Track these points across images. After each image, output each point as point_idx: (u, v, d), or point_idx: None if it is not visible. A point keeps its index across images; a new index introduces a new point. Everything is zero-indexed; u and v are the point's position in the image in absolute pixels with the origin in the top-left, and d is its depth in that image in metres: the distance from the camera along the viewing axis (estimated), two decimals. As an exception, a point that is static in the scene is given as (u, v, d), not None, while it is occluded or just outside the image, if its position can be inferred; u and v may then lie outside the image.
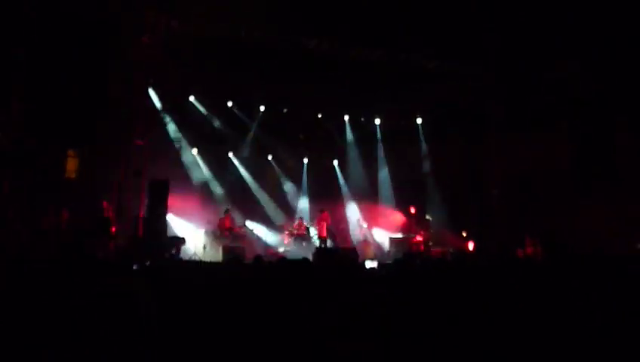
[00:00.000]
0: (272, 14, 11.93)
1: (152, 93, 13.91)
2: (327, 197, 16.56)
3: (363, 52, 13.52)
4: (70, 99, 11.69)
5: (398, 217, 16.31)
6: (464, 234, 14.81)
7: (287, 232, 15.19)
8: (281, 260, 6.34)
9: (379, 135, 17.36)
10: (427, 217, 14.95)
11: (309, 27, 12.47)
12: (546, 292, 4.57)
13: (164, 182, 12.06)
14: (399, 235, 15.34)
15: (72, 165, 12.73)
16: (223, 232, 13.76)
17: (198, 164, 15.56)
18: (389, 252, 14.92)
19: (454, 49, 13.28)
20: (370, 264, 10.57)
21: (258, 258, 6.48)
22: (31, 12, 10.73)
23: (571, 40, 12.02)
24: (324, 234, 14.77)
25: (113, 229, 11.36)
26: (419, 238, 14.36)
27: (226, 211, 14.25)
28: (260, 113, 16.09)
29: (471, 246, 14.14)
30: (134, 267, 6.50)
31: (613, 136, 12.91)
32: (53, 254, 9.59)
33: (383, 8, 11.75)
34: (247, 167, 16.50)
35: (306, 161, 17.48)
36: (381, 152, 17.34)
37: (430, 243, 14.39)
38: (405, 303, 3.97)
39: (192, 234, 13.53)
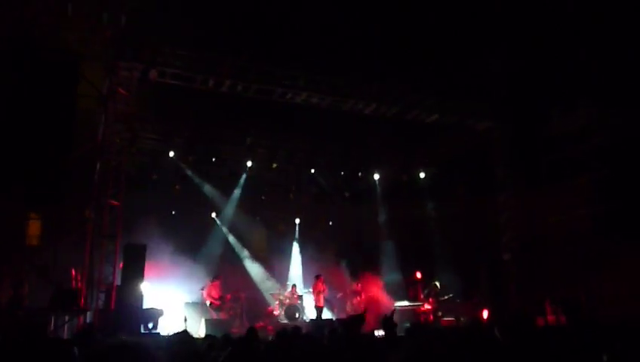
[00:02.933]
0: (259, 65, 12.43)
1: (128, 148, 14.08)
2: (322, 261, 16.50)
3: (357, 104, 13.91)
4: (33, 153, 11.67)
5: (404, 283, 16.22)
6: (477, 302, 14.70)
7: (277, 302, 15.00)
8: (281, 332, 6.24)
9: (378, 191, 17.57)
10: (435, 283, 14.87)
11: (300, 81, 12.89)
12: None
13: (140, 247, 11.98)
14: (404, 304, 15.19)
15: (34, 229, 12.58)
16: (213, 302, 13.55)
17: (179, 227, 15.55)
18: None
19: (457, 99, 13.77)
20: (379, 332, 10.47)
21: (252, 330, 6.39)
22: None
23: (590, 83, 12.34)
24: (322, 303, 14.58)
25: (82, 302, 11.14)
26: (427, 307, 14.23)
27: (216, 278, 14.11)
28: (247, 169, 16.32)
29: (485, 314, 14.01)
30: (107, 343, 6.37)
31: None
32: (10, 336, 9.26)
33: (379, 58, 12.30)
34: (232, 230, 16.52)
35: (298, 221, 17.55)
36: (381, 210, 17.47)
37: (440, 313, 14.26)
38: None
39: (172, 305, 13.30)
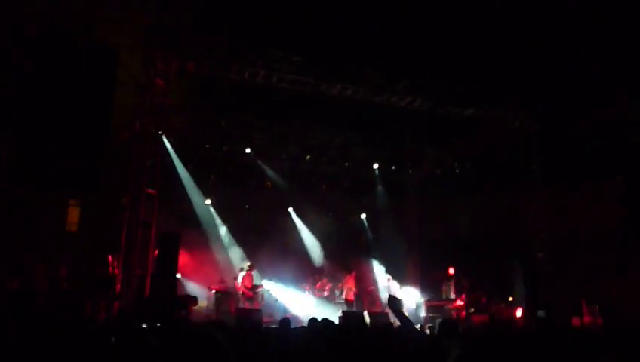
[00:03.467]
0: (294, 57, 12.42)
1: (164, 138, 14.30)
2: (354, 255, 16.52)
3: (392, 98, 13.78)
4: (73, 142, 11.90)
5: (435, 278, 16.08)
6: (510, 300, 14.49)
7: (308, 293, 15.08)
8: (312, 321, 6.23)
9: (412, 185, 17.46)
10: (468, 280, 14.70)
11: (333, 73, 12.85)
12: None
13: (175, 235, 12.16)
14: (436, 299, 15.08)
15: (73, 216, 12.88)
16: (245, 292, 13.70)
17: (213, 217, 15.75)
18: (425, 318, 14.63)
19: (493, 93, 13.51)
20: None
21: (285, 321, 6.40)
22: (27, 48, 11.12)
23: (630, 79, 12.01)
24: (352, 297, 14.63)
25: (118, 287, 11.38)
26: (459, 303, 14.09)
27: (249, 268, 14.28)
28: (281, 160, 16.39)
29: (519, 313, 13.78)
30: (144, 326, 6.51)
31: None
32: (49, 317, 9.49)
33: (416, 51, 12.15)
34: (265, 220, 16.63)
35: (330, 214, 17.59)
36: (414, 205, 17.35)
37: (472, 310, 14.10)
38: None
39: (204, 293, 13.52)
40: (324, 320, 6.25)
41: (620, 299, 12.26)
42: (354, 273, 14.90)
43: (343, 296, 14.93)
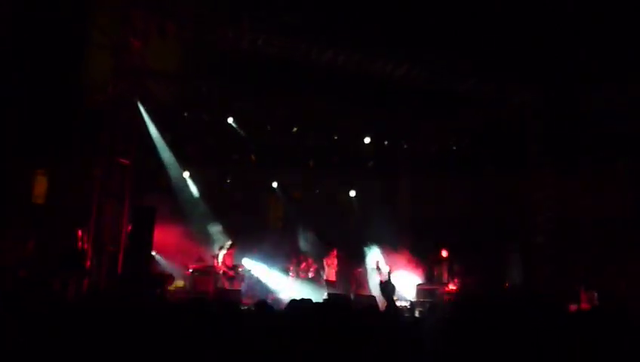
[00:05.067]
0: (284, 21, 12.10)
1: (139, 105, 13.94)
2: (342, 234, 16.40)
3: (387, 67, 13.48)
4: (40, 108, 11.64)
5: (427, 261, 16.06)
6: (506, 286, 14.55)
7: (292, 274, 14.98)
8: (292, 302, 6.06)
9: (405, 162, 17.37)
10: (461, 264, 14.72)
11: (325, 37, 12.52)
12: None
13: (150, 209, 11.94)
14: (428, 283, 15.06)
15: (41, 187, 12.66)
16: (226, 271, 13.60)
17: (191, 190, 15.51)
18: (415, 303, 14.60)
19: (494, 67, 13.33)
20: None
21: (261, 304, 6.22)
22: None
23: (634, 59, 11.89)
24: (334, 278, 14.52)
25: (88, 264, 11.18)
26: (451, 287, 14.10)
27: (230, 246, 14.12)
28: (265, 131, 16.07)
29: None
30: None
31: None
32: (13, 293, 9.32)
33: (413, 19, 11.89)
34: (247, 196, 16.48)
35: (317, 190, 17.44)
36: (407, 182, 17.30)
37: (465, 295, 14.12)
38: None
39: (181, 270, 13.42)
40: (305, 299, 6.10)
41: (620, 288, 12.29)
42: (334, 250, 14.77)
43: (325, 276, 14.86)
